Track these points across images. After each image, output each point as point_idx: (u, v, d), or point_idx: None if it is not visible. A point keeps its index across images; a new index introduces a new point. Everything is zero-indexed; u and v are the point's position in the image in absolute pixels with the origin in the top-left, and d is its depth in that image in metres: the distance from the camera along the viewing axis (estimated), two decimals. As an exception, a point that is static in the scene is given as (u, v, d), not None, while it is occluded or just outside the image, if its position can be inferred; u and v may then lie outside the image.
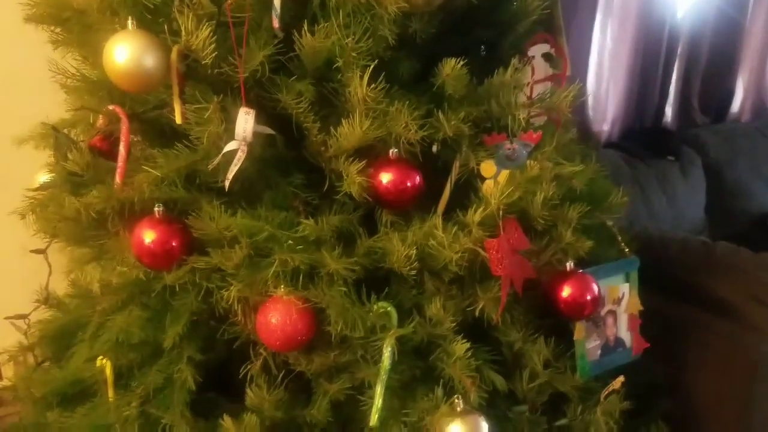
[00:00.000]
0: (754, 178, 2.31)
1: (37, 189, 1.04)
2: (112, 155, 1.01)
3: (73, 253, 1.12)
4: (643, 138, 2.35)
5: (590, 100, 2.27)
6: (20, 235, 1.06)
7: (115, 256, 1.01)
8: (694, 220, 2.22)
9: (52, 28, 1.08)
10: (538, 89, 1.14)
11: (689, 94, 2.44)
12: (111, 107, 0.99)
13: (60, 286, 1.18)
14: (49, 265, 1.12)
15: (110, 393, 1.01)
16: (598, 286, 1.04)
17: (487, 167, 1.00)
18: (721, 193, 2.27)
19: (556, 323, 1.06)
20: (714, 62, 2.42)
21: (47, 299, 1.13)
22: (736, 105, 2.57)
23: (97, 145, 1.05)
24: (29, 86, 1.29)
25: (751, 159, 2.33)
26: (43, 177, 1.10)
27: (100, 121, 1.03)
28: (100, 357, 1.02)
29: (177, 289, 0.96)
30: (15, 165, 1.14)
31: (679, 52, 2.37)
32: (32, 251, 1.09)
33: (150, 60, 0.87)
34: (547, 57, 1.18)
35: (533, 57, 1.16)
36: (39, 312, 1.15)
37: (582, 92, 1.05)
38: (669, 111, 2.45)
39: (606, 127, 2.34)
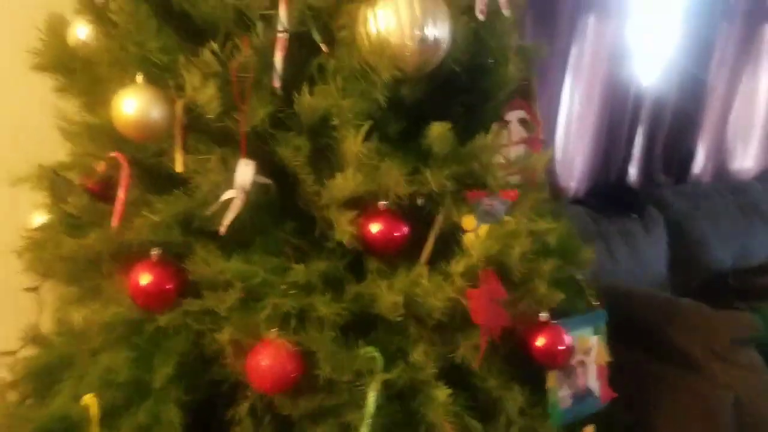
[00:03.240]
0: (714, 236, 2.43)
1: (35, 229, 1.07)
2: (108, 199, 1.05)
3: (62, 291, 1.14)
4: (608, 195, 2.46)
5: (558, 158, 2.38)
6: (7, 273, 1.08)
7: (108, 296, 1.04)
8: (656, 275, 2.32)
9: (57, 76, 1.14)
10: (514, 151, 1.23)
11: (652, 155, 2.57)
12: (113, 153, 1.04)
13: (46, 324, 1.19)
14: (40, 304, 1.13)
15: (95, 432, 1.03)
16: (570, 337, 1.10)
17: (468, 221, 1.07)
18: (683, 250, 2.37)
19: (530, 372, 1.12)
20: (677, 125, 2.56)
21: (35, 337, 1.14)
22: (697, 166, 2.70)
23: (95, 188, 1.09)
24: (28, 130, 1.34)
25: (711, 218, 2.45)
26: (39, 217, 1.13)
27: (101, 166, 1.07)
28: (87, 395, 1.03)
29: (169, 330, 0.99)
30: (6, 204, 1.18)
31: (643, 114, 2.50)
32: (26, 289, 1.11)
33: (156, 112, 0.93)
34: (522, 122, 1.27)
35: (510, 121, 1.25)
36: (26, 350, 1.16)
37: (553, 156, 1.13)
38: (633, 170, 2.57)
39: (573, 184, 2.44)
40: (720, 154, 2.75)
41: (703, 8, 2.39)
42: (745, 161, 2.82)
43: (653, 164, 2.58)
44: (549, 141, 2.26)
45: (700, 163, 2.71)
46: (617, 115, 2.42)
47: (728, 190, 2.63)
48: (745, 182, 2.74)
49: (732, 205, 2.56)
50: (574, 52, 2.28)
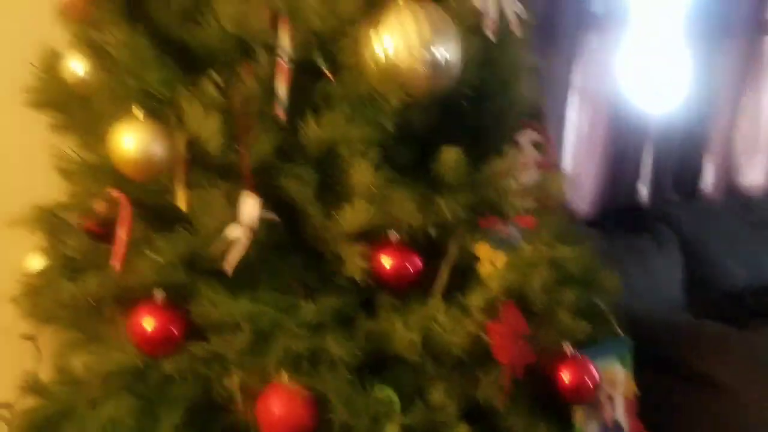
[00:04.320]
0: (728, 255, 2.38)
1: (32, 274, 1.02)
2: (109, 239, 1.00)
3: (62, 338, 1.09)
4: (619, 216, 2.42)
5: (567, 180, 2.34)
6: (4, 319, 1.04)
7: (110, 343, 0.99)
8: (672, 296, 2.26)
9: (54, 114, 1.10)
10: (527, 175, 1.18)
11: (662, 174, 2.53)
12: (113, 192, 0.99)
13: (46, 373, 1.14)
14: (39, 351, 1.08)
15: (98, 487, 0.97)
16: (598, 370, 1.04)
17: (483, 249, 1.02)
18: (697, 269, 2.32)
19: (555, 407, 1.06)
20: (684, 143, 2.53)
21: (34, 386, 1.09)
22: (707, 183, 2.67)
23: (95, 229, 1.04)
24: (24, 170, 1.30)
25: (724, 236, 2.40)
26: (37, 261, 1.09)
27: (101, 205, 1.02)
28: (89, 448, 0.98)
29: (175, 377, 0.94)
30: (2, 247, 1.13)
31: (650, 132, 2.47)
32: (24, 337, 1.06)
33: (157, 148, 0.89)
34: (534, 144, 1.23)
35: (522, 144, 1.21)
36: (25, 400, 1.11)
37: (568, 178, 1.09)
38: (643, 190, 2.54)
39: (583, 206, 2.41)
40: (729, 169, 2.72)
41: (703, 25, 2.37)
42: (753, 176, 2.78)
43: (663, 182, 2.54)
44: (560, 163, 2.23)
45: (709, 179, 2.67)
46: (624, 134, 2.40)
47: (739, 206, 2.59)
48: (755, 198, 2.70)
49: (743, 221, 2.52)
50: (577, 72, 2.26)
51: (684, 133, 2.51)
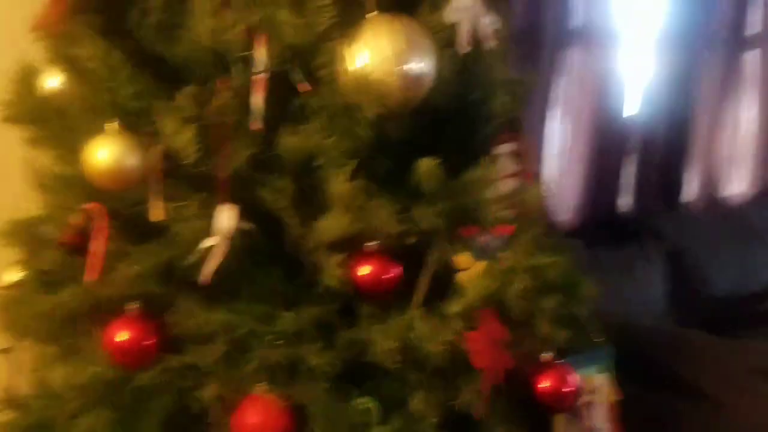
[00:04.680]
0: (713, 264, 2.39)
1: (7, 287, 1.02)
2: (84, 252, 1.00)
3: (39, 351, 1.08)
4: (602, 226, 2.43)
5: (550, 191, 2.36)
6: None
7: (86, 355, 0.98)
8: (658, 306, 2.27)
9: (30, 127, 1.10)
10: (506, 185, 1.19)
11: (645, 184, 2.55)
12: (89, 205, 0.99)
13: (24, 386, 1.13)
14: (16, 365, 1.07)
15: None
16: (577, 377, 1.04)
17: (463, 259, 1.03)
18: (682, 279, 2.33)
19: (537, 415, 1.06)
20: (667, 153, 2.55)
21: (12, 400, 1.08)
22: (690, 193, 2.69)
23: (70, 242, 1.04)
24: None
25: (708, 245, 2.42)
26: (13, 275, 1.08)
27: (76, 218, 1.02)
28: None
29: (151, 388, 0.93)
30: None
31: (632, 143, 2.50)
32: (0, 350, 1.05)
33: (132, 160, 0.89)
34: (513, 155, 1.24)
35: (500, 155, 1.22)
36: (3, 414, 1.10)
37: (548, 189, 1.10)
38: (626, 200, 2.56)
39: (566, 217, 2.42)
40: (711, 180, 2.74)
41: (684, 37, 2.41)
42: (735, 186, 2.81)
43: (646, 193, 2.56)
44: (540, 174, 2.24)
45: (692, 189, 2.70)
46: (606, 145, 2.41)
47: (722, 216, 2.62)
48: (738, 207, 2.73)
49: (727, 231, 2.53)
50: (558, 84, 2.28)
51: (666, 145, 2.54)
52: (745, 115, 2.73)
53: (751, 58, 2.63)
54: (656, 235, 2.37)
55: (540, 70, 2.19)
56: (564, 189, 2.39)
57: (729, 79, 2.63)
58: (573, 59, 2.30)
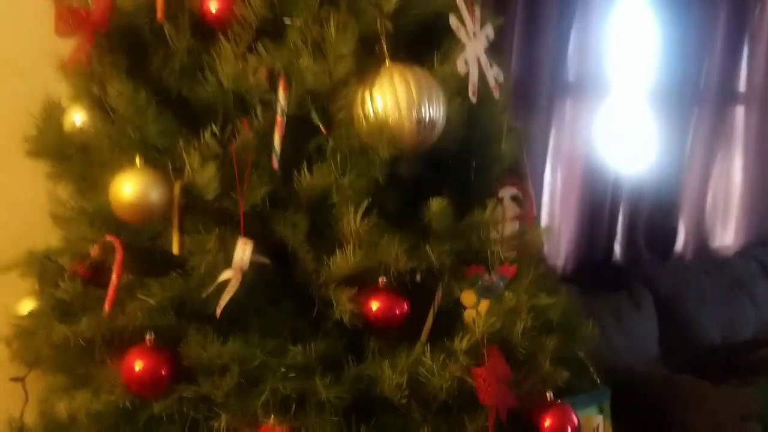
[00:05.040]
0: (702, 313, 2.43)
1: (24, 317, 1.04)
2: (100, 284, 1.03)
3: (49, 381, 1.10)
4: (595, 273, 2.47)
5: (544, 237, 2.40)
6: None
7: (99, 385, 0.99)
8: (649, 352, 2.29)
9: (52, 162, 1.14)
10: (508, 227, 1.23)
11: (635, 234, 2.60)
12: (107, 238, 1.02)
13: (29, 415, 1.13)
14: (26, 394, 1.08)
15: None
16: (578, 417, 1.07)
17: (468, 296, 1.06)
18: (672, 327, 2.36)
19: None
20: (657, 205, 2.61)
21: (20, 430, 1.08)
22: (679, 245, 2.74)
23: (87, 274, 1.06)
24: (17, 215, 1.32)
25: (698, 294, 2.46)
26: (27, 305, 1.10)
27: (94, 250, 1.05)
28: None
29: (163, 418, 0.94)
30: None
31: (624, 194, 2.56)
32: (12, 379, 1.06)
33: (155, 195, 0.93)
34: (515, 199, 1.29)
35: (503, 198, 1.27)
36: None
37: (549, 232, 1.14)
38: (617, 248, 2.60)
39: (560, 262, 2.46)
40: (700, 232, 2.80)
41: (675, 93, 2.50)
42: (725, 238, 2.87)
43: (637, 242, 2.61)
44: (537, 217, 2.29)
45: (681, 241, 2.75)
46: (598, 195, 2.47)
47: (712, 266, 2.66)
48: (727, 258, 2.78)
49: (717, 281, 2.58)
50: (553, 135, 2.35)
51: (657, 196, 2.60)
52: (734, 168, 2.81)
53: (739, 113, 2.72)
54: (646, 284, 2.41)
55: (535, 120, 2.26)
56: (557, 235, 2.44)
57: (718, 134, 2.72)
58: (567, 111, 2.38)
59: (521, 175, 1.30)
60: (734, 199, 2.82)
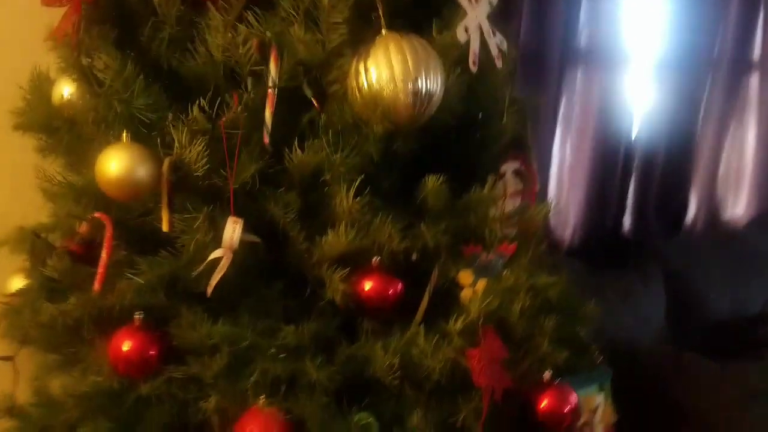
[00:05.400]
0: (711, 287, 2.39)
1: (12, 295, 1.02)
2: (91, 261, 1.01)
3: (40, 359, 1.09)
4: (603, 247, 2.44)
5: (552, 209, 2.36)
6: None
7: (88, 365, 0.98)
8: (656, 328, 2.27)
9: (40, 136, 1.11)
10: (510, 203, 1.20)
11: (645, 206, 2.56)
12: (96, 214, 1.00)
13: (23, 394, 1.13)
14: (17, 372, 1.08)
15: None
16: (576, 397, 1.05)
17: (465, 276, 1.03)
18: (681, 302, 2.33)
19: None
20: (668, 176, 2.56)
21: (11, 408, 1.08)
22: (690, 216, 2.69)
23: (77, 250, 1.04)
24: (7, 191, 1.30)
25: (707, 268, 2.42)
26: (17, 282, 1.08)
27: (84, 227, 1.03)
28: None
29: (152, 399, 0.93)
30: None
31: (634, 165, 2.51)
32: (1, 358, 1.05)
33: (142, 171, 0.90)
34: (518, 174, 1.25)
35: (505, 173, 1.23)
36: (2, 422, 1.10)
37: (551, 209, 1.11)
38: (627, 221, 2.56)
39: (567, 235, 2.42)
40: (712, 203, 2.75)
41: (688, 61, 2.43)
42: (736, 210, 2.81)
43: (647, 214, 2.57)
44: (542, 193, 2.25)
45: (692, 212, 2.70)
46: (608, 166, 2.42)
47: (722, 239, 2.62)
48: (738, 230, 2.73)
49: (727, 254, 2.53)
50: (563, 104, 2.30)
51: (668, 167, 2.55)
52: (747, 138, 2.74)
53: (753, 82, 2.65)
54: (656, 258, 2.37)
55: (545, 90, 2.21)
56: (566, 208, 2.40)
57: (731, 103, 2.65)
58: (577, 80, 2.31)
59: (525, 148, 1.26)
60: (747, 169, 2.76)
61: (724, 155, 2.72)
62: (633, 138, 2.46)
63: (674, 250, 2.44)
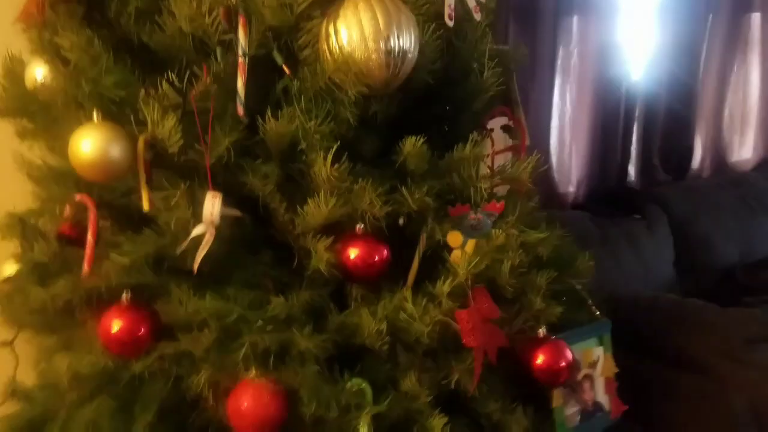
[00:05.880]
0: (718, 233, 2.36)
1: (3, 281, 1.03)
2: (80, 243, 1.01)
3: (41, 342, 1.10)
4: (608, 198, 2.41)
5: (554, 163, 2.33)
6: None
7: (83, 346, 0.99)
8: (663, 276, 2.25)
9: (19, 120, 1.10)
10: (499, 160, 1.18)
11: (650, 153, 2.52)
12: (78, 196, 0.99)
13: (28, 377, 1.14)
14: (16, 356, 1.09)
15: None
16: (572, 352, 1.04)
17: (454, 237, 1.02)
18: (688, 249, 2.31)
19: (533, 391, 1.06)
20: (672, 121, 2.52)
21: (15, 392, 1.09)
22: (696, 161, 2.65)
23: (65, 233, 1.04)
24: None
25: (714, 214, 2.38)
26: (10, 268, 1.09)
27: (68, 210, 1.02)
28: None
29: (146, 376, 0.94)
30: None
31: (637, 112, 2.46)
32: (0, 343, 1.06)
33: (116, 151, 0.89)
34: (505, 129, 1.23)
35: (492, 129, 1.21)
36: (6, 405, 1.11)
37: (541, 162, 1.08)
38: (632, 170, 2.53)
39: (572, 189, 2.39)
40: (717, 147, 2.70)
41: (687, 2, 2.35)
42: (742, 152, 2.76)
43: (651, 162, 2.53)
44: (543, 146, 2.22)
45: (698, 157, 2.66)
46: (610, 115, 2.38)
47: (729, 183, 2.57)
48: (745, 174, 2.69)
49: (734, 198, 2.50)
50: (560, 54, 2.25)
51: (671, 112, 2.50)
52: (751, 79, 2.67)
53: (755, 22, 2.57)
54: (661, 205, 2.34)
55: (541, 39, 2.15)
56: (568, 161, 2.37)
57: (735, 42, 2.57)
58: (574, 29, 2.26)
59: (512, 102, 1.23)
60: (752, 110, 2.70)
61: (728, 98, 2.66)
62: (634, 85, 2.40)
63: (679, 196, 2.40)
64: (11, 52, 1.08)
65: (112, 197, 1.03)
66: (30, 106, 1.05)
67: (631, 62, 2.37)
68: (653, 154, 2.53)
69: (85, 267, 0.96)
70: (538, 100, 2.22)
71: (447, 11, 1.00)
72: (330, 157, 0.89)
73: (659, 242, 2.27)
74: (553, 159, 2.32)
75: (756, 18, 2.56)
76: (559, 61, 2.25)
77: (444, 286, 0.94)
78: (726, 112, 2.67)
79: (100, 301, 0.95)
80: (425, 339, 0.92)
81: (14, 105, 1.06)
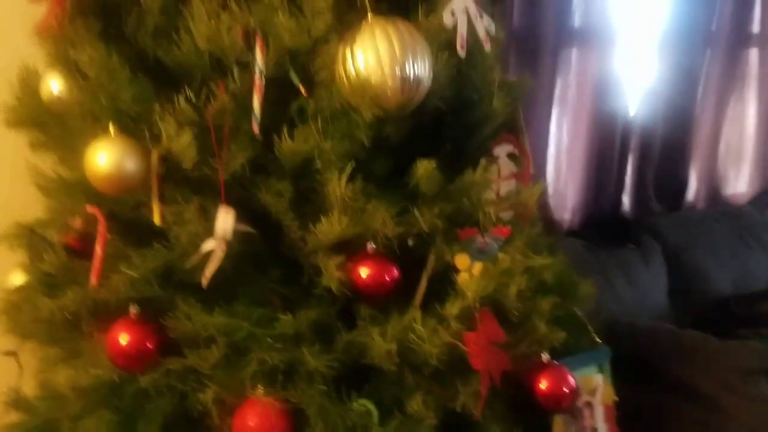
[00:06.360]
0: (712, 263, 2.38)
1: (12, 291, 1.02)
2: (87, 254, 1.01)
3: (44, 353, 1.09)
4: (603, 227, 2.43)
5: (550, 191, 2.36)
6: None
7: (88, 358, 0.99)
8: (657, 306, 2.26)
9: (32, 131, 1.11)
10: (504, 186, 1.19)
11: (645, 184, 2.55)
12: (88, 208, 1.00)
13: (29, 387, 1.13)
14: (21, 367, 1.08)
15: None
16: (574, 378, 1.05)
17: (462, 260, 1.03)
18: (682, 279, 2.33)
19: (534, 417, 1.06)
20: (667, 153, 2.55)
21: (17, 402, 1.08)
22: (690, 193, 2.68)
23: (73, 244, 1.05)
24: (3, 187, 1.30)
25: (708, 245, 2.41)
26: (17, 278, 1.09)
27: (77, 221, 1.03)
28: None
29: (151, 391, 0.94)
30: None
31: (632, 143, 2.49)
32: (5, 353, 1.06)
33: (130, 164, 0.90)
34: (511, 156, 1.25)
35: (498, 156, 1.23)
36: (8, 416, 1.10)
37: (545, 190, 1.10)
38: (626, 200, 2.55)
39: (567, 216, 2.42)
40: (713, 179, 2.73)
41: (686, 36, 2.40)
42: (738, 186, 2.80)
43: (646, 193, 2.56)
44: (540, 174, 2.24)
45: (693, 189, 2.69)
46: (606, 145, 2.41)
47: (723, 215, 2.60)
48: (740, 207, 2.72)
49: (728, 231, 2.52)
50: (559, 85, 2.28)
51: (667, 144, 2.53)
52: (747, 113, 2.72)
53: (753, 57, 2.62)
54: (655, 235, 2.37)
55: (540, 70, 2.19)
56: (564, 188, 2.39)
57: (732, 77, 2.62)
58: (573, 59, 2.30)
59: (517, 130, 1.25)
60: (748, 144, 2.74)
61: (725, 131, 2.70)
62: (631, 116, 2.44)
63: (674, 227, 2.42)
64: (27, 64, 1.10)
65: (122, 210, 1.04)
66: (44, 118, 1.06)
67: (628, 94, 2.41)
68: (648, 184, 2.56)
69: (93, 279, 0.96)
70: (536, 129, 2.25)
71: (459, 41, 1.02)
72: (345, 177, 0.90)
73: (653, 272, 2.28)
74: (549, 187, 2.35)
75: (753, 54, 2.62)
76: (557, 92, 2.29)
77: (452, 308, 0.95)
78: (722, 146, 2.70)
79: (108, 314, 0.95)
80: (434, 360, 0.92)
81: (28, 116, 1.07)
